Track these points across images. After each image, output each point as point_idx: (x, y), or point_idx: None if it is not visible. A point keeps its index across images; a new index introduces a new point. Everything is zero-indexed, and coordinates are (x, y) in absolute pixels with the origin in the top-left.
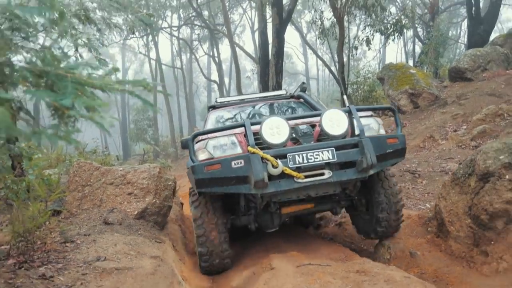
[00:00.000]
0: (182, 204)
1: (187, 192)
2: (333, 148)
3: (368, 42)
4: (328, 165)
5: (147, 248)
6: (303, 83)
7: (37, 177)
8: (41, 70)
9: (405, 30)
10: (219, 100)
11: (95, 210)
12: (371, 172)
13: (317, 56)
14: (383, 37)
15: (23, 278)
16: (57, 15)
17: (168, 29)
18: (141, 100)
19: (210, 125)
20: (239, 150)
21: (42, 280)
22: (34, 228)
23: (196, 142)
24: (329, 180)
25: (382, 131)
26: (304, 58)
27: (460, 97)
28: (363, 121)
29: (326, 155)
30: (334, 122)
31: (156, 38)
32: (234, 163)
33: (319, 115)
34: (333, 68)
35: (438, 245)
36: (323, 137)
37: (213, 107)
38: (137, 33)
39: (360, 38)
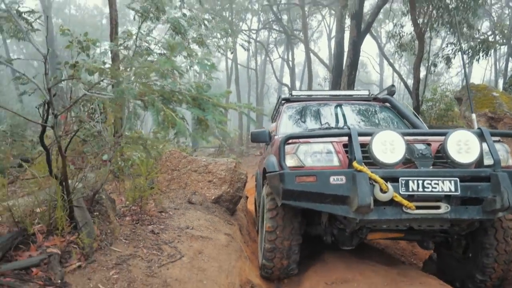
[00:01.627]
0: (247, 197)
1: (251, 186)
2: (457, 179)
3: (448, 60)
4: (447, 198)
5: (221, 226)
6: (392, 85)
7: (139, 158)
8: (194, 96)
9: (497, 46)
10: (295, 93)
11: (181, 191)
12: (501, 214)
13: (393, 68)
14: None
15: (139, 231)
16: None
17: (247, 32)
18: (249, 119)
19: (284, 121)
20: (335, 163)
21: (152, 234)
22: (142, 196)
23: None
24: (445, 216)
25: (511, 162)
26: (380, 69)
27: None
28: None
29: (447, 186)
30: (463, 146)
31: (235, 39)
32: (333, 179)
33: (442, 134)
34: (409, 82)
35: None
36: (439, 161)
37: (287, 100)
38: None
39: (440, 56)
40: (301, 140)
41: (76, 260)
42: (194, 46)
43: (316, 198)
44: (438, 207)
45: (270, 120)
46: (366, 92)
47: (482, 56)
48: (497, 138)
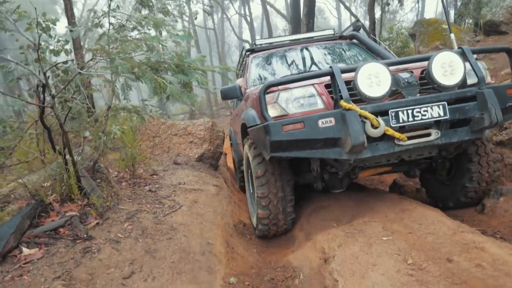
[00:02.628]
0: (225, 154)
1: (227, 146)
2: (445, 103)
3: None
4: (437, 123)
5: (209, 179)
6: (357, 20)
7: (119, 130)
8: (177, 63)
9: None
10: (258, 42)
11: (165, 155)
12: (487, 132)
13: (350, 12)
14: None
15: (139, 191)
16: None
17: None
18: (228, 80)
19: (253, 73)
20: (320, 106)
21: (150, 192)
22: (133, 163)
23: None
24: (436, 142)
25: (489, 79)
26: (337, 13)
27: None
28: (469, 66)
29: (436, 112)
30: (447, 68)
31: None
32: (322, 122)
33: (425, 59)
34: (366, 24)
35: None
36: (425, 88)
37: (252, 51)
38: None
39: None
40: (280, 87)
41: (93, 219)
42: (159, 15)
43: (306, 145)
44: (429, 134)
45: (236, 77)
46: (331, 32)
47: None
48: (475, 56)
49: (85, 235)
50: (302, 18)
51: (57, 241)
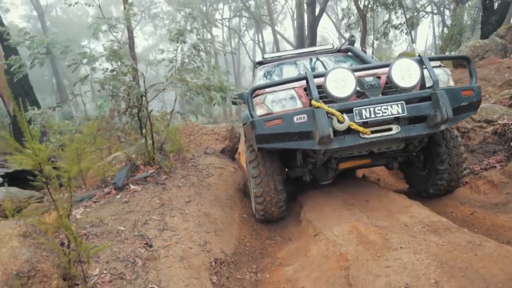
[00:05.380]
0: (239, 153)
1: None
2: (403, 102)
3: (385, 35)
4: (396, 120)
5: (229, 163)
6: (352, 36)
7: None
8: (220, 86)
9: (435, 17)
10: (266, 55)
11: (198, 148)
12: (443, 127)
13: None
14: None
15: (185, 165)
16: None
17: (221, 20)
18: (236, 100)
19: (259, 82)
20: (299, 105)
21: (193, 166)
22: (180, 149)
23: (254, 97)
24: (397, 135)
25: (452, 83)
26: (339, 42)
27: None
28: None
29: (395, 109)
30: (405, 73)
31: (211, 28)
32: (297, 118)
33: (386, 65)
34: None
35: None
36: (389, 90)
37: (260, 63)
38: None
39: (379, 32)
40: (267, 90)
41: (163, 175)
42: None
43: (285, 138)
44: (390, 129)
45: None
46: (330, 46)
47: (410, 31)
48: (437, 64)
49: (161, 182)
50: (306, 47)
51: (147, 183)
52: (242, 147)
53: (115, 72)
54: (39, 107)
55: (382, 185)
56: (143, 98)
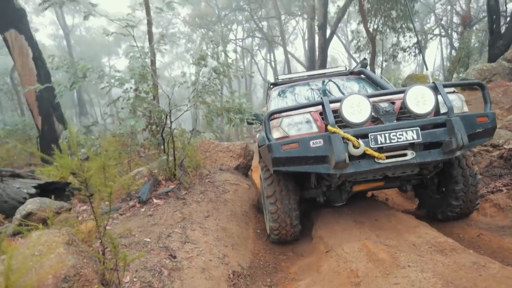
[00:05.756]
0: (252, 170)
1: (256, 164)
2: (418, 128)
3: (394, 57)
4: (411, 145)
5: (243, 180)
6: (364, 59)
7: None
8: (239, 108)
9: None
10: (281, 77)
11: (214, 164)
12: (458, 153)
13: (356, 61)
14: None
15: (203, 181)
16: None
17: (235, 40)
18: (249, 120)
19: (273, 103)
20: (314, 129)
21: (210, 182)
22: (197, 165)
23: (271, 120)
24: (412, 161)
25: (466, 109)
26: (348, 62)
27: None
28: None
29: (410, 135)
30: (420, 99)
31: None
32: (313, 143)
33: (401, 92)
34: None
35: None
36: (403, 116)
37: (275, 84)
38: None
39: (388, 54)
40: (283, 114)
41: (183, 190)
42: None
43: (301, 161)
44: (405, 155)
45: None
46: (343, 68)
47: (418, 53)
48: (452, 90)
49: (182, 197)
50: (316, 69)
51: (168, 198)
52: (255, 163)
53: (137, 92)
54: (65, 122)
55: (390, 205)
56: (168, 117)
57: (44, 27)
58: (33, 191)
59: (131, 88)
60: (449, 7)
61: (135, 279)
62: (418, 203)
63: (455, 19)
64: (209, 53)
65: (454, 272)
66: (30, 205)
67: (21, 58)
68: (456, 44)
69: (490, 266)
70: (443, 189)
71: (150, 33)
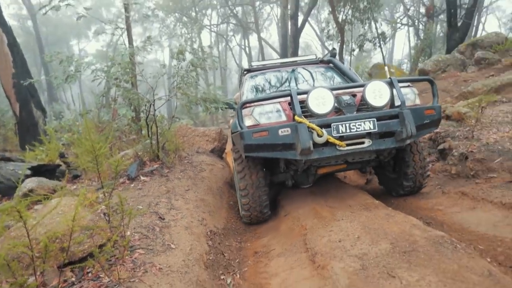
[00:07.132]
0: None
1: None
2: (375, 119)
3: (360, 47)
4: (369, 134)
5: (218, 161)
6: (334, 48)
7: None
8: (214, 98)
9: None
10: (254, 64)
11: (191, 147)
12: (408, 141)
13: (327, 50)
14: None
15: (183, 162)
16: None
17: (209, 26)
18: (229, 107)
19: (246, 88)
20: (283, 118)
21: (188, 163)
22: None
23: (243, 109)
24: (368, 148)
25: (418, 101)
26: (321, 49)
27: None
28: (402, 91)
29: (367, 125)
30: (377, 93)
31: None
32: (281, 131)
33: (361, 86)
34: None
35: None
36: (363, 107)
37: (248, 71)
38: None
39: (355, 44)
40: (255, 103)
41: (166, 169)
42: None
43: (270, 148)
44: (363, 143)
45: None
46: (314, 57)
47: (382, 44)
48: (406, 84)
49: (165, 175)
50: (289, 57)
51: (153, 175)
52: (229, 148)
53: (118, 81)
54: (43, 108)
55: (347, 182)
56: (152, 106)
57: (6, 7)
58: (28, 172)
59: (116, 79)
60: None
61: (135, 233)
62: (378, 181)
63: (422, 10)
64: (188, 49)
65: (371, 220)
66: (30, 183)
67: None
68: (421, 35)
69: (396, 215)
70: (397, 169)
71: (129, 29)
